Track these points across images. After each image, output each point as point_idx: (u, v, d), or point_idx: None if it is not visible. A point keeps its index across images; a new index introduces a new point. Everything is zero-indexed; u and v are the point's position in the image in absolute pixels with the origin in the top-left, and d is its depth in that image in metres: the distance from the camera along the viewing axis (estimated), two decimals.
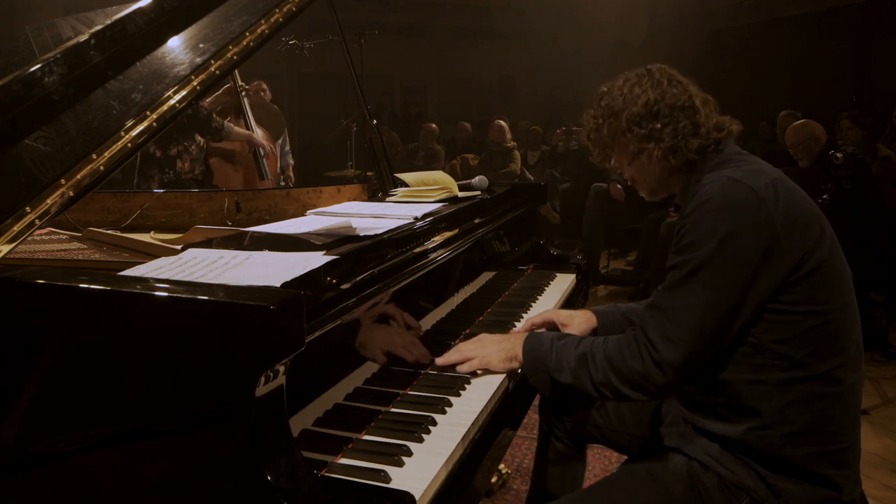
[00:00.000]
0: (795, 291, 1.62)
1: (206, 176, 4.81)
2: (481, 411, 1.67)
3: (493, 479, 3.14)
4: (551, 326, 2.17)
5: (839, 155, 4.96)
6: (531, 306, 2.48)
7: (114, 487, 1.30)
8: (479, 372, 1.86)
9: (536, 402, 2.25)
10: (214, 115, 4.53)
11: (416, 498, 1.29)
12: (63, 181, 1.56)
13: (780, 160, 5.41)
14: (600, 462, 3.38)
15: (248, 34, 2.02)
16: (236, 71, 4.57)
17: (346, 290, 1.56)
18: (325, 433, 1.53)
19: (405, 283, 1.86)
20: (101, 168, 1.62)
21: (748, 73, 12.29)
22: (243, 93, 4.96)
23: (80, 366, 1.30)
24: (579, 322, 2.17)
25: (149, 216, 2.88)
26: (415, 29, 15.33)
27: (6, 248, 1.46)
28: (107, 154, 1.64)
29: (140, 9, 1.87)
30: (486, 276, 2.66)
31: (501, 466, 3.26)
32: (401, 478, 1.36)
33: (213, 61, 1.91)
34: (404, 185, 2.82)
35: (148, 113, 1.74)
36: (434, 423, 1.58)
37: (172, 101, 1.79)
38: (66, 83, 1.68)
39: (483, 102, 15.94)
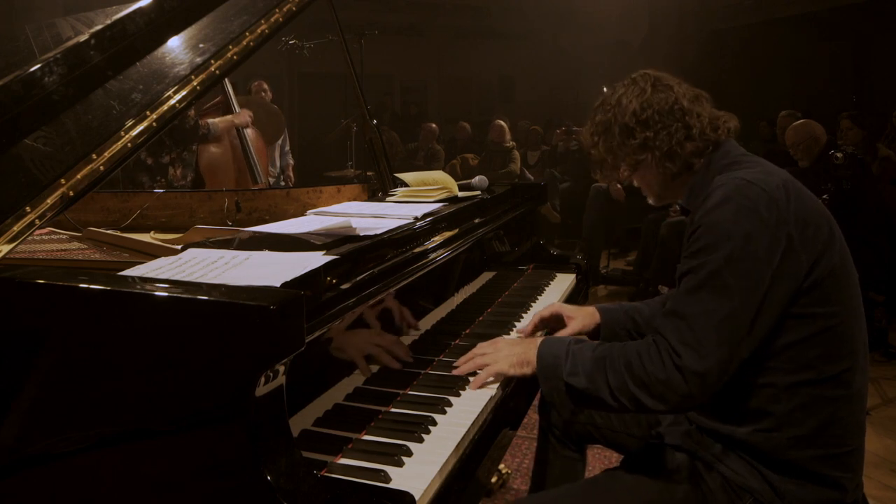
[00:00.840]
0: (808, 296, 1.61)
1: (198, 182, 4.79)
2: (481, 411, 1.67)
3: (494, 479, 3.14)
4: (557, 318, 2.17)
5: (839, 155, 4.96)
6: (531, 306, 2.48)
7: (114, 487, 1.30)
8: (478, 372, 1.85)
9: (536, 401, 2.25)
10: (200, 122, 4.51)
11: (416, 498, 1.29)
12: (63, 181, 1.56)
13: (781, 160, 5.40)
14: (600, 462, 3.37)
15: (248, 34, 2.02)
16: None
17: (346, 290, 1.56)
18: (325, 433, 1.53)
19: (405, 283, 1.86)
20: (101, 168, 1.62)
21: (748, 73, 12.29)
22: (231, 92, 4.94)
23: (80, 366, 1.30)
24: (583, 316, 2.16)
25: (149, 216, 2.88)
26: (415, 29, 15.34)
27: (6, 248, 1.46)
28: (107, 154, 1.64)
29: (140, 9, 1.87)
30: (486, 276, 2.66)
31: (501, 466, 3.26)
32: (401, 478, 1.36)
33: (213, 61, 1.91)
34: (404, 185, 2.82)
35: (148, 113, 1.74)
36: (434, 423, 1.58)
37: (172, 101, 1.79)
38: (66, 83, 1.68)
39: (483, 102, 15.96)
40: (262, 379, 1.21)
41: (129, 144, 1.68)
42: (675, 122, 1.78)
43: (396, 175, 2.93)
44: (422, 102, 16.01)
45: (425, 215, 2.17)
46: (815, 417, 1.63)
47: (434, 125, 10.92)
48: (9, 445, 1.35)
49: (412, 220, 2.10)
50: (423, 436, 1.52)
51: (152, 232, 2.63)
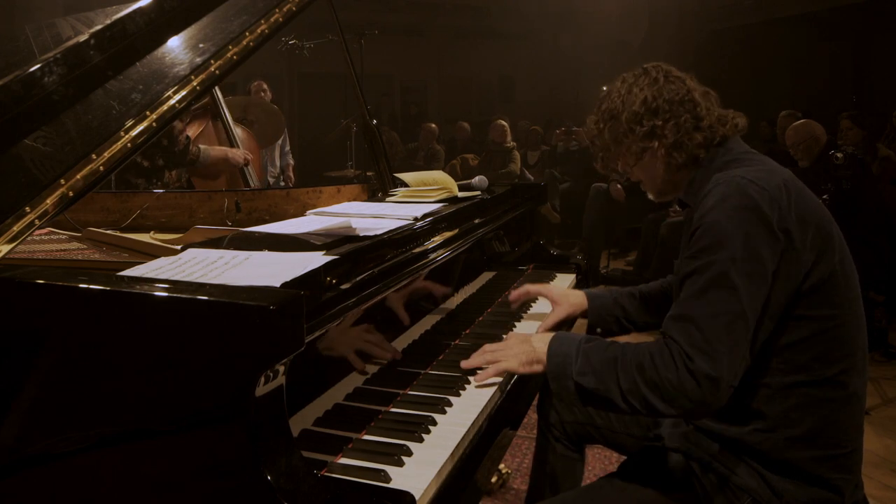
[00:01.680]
0: (807, 296, 1.60)
1: (190, 186, 4.75)
2: (481, 411, 1.67)
3: (494, 479, 3.15)
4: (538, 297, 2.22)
5: (839, 155, 4.96)
6: (531, 306, 2.47)
7: (114, 487, 1.30)
8: (478, 372, 1.84)
9: (536, 401, 2.25)
10: (191, 147, 4.43)
11: (417, 498, 1.29)
12: (63, 181, 1.56)
13: (781, 160, 5.39)
14: (600, 462, 3.38)
15: (247, 34, 2.02)
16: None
17: (346, 290, 1.56)
18: (325, 433, 1.53)
19: (405, 283, 1.86)
20: (101, 168, 1.62)
21: (748, 72, 12.29)
22: (220, 96, 4.89)
23: (80, 366, 1.30)
24: (570, 304, 2.20)
25: (148, 216, 2.88)
26: (415, 29, 15.34)
27: (6, 248, 1.46)
28: (106, 154, 1.64)
29: (140, 9, 1.87)
30: (485, 277, 2.66)
31: (502, 466, 3.27)
32: (401, 477, 1.36)
33: (213, 61, 1.91)
34: (404, 185, 2.82)
35: (148, 113, 1.74)
36: (434, 423, 1.58)
37: (172, 101, 1.78)
38: (66, 83, 1.68)
39: (483, 102, 15.96)
40: (262, 379, 1.21)
41: (128, 144, 1.68)
42: (685, 114, 1.77)
43: (396, 175, 2.93)
44: (422, 102, 16.01)
45: (425, 215, 2.17)
46: (811, 418, 1.63)
47: (434, 125, 10.93)
48: (9, 445, 1.35)
49: (412, 221, 2.10)
50: (424, 436, 1.52)
51: (152, 232, 2.62)
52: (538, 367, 1.77)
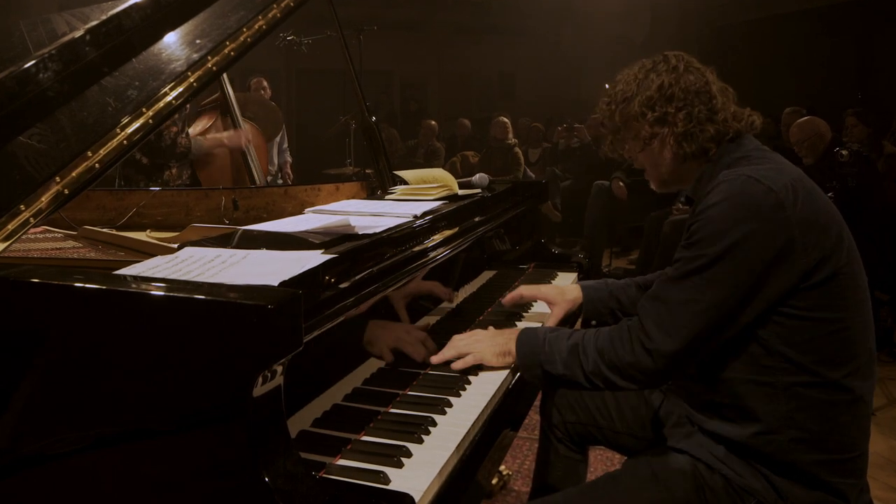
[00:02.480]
0: (810, 297, 1.60)
1: (194, 183, 4.76)
2: (482, 412, 1.67)
3: (494, 481, 3.14)
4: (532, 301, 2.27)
5: (844, 152, 4.96)
6: (532, 305, 2.47)
7: (109, 489, 1.29)
8: (478, 372, 1.85)
9: (538, 402, 2.25)
10: (179, 141, 4.41)
11: (416, 499, 1.29)
12: (58, 179, 1.56)
13: (785, 158, 5.41)
14: (602, 464, 3.38)
15: (245, 30, 2.02)
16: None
17: (345, 289, 1.56)
18: (324, 434, 1.52)
19: (404, 282, 1.86)
20: (97, 166, 1.62)
21: (751, 69, 12.27)
22: (230, 90, 4.90)
23: (76, 366, 1.30)
24: (566, 301, 2.24)
25: (145, 214, 2.87)
26: (414, 25, 15.32)
27: (0, 247, 1.46)
28: (102, 151, 1.64)
29: (136, 4, 1.86)
30: (486, 275, 2.66)
31: (502, 468, 3.26)
32: (400, 479, 1.36)
33: (209, 57, 1.91)
34: (404, 182, 2.81)
35: (144, 110, 1.73)
36: (434, 424, 1.58)
37: (169, 98, 1.78)
38: (61, 79, 1.68)
39: (483, 99, 15.95)
40: (260, 379, 1.21)
41: (124, 142, 1.68)
42: (700, 105, 1.77)
43: (396, 173, 2.93)
44: (421, 99, 15.99)
45: (425, 213, 2.17)
46: (815, 421, 1.62)
47: (434, 122, 10.92)
48: (4, 447, 1.35)
49: (412, 219, 2.09)
50: (423, 437, 1.52)
51: (148, 230, 2.62)
52: (509, 359, 1.88)
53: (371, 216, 2.13)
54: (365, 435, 1.54)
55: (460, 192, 2.63)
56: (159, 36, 1.91)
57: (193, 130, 4.62)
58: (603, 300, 2.22)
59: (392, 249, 1.85)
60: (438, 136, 10.94)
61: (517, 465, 3.44)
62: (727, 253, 1.57)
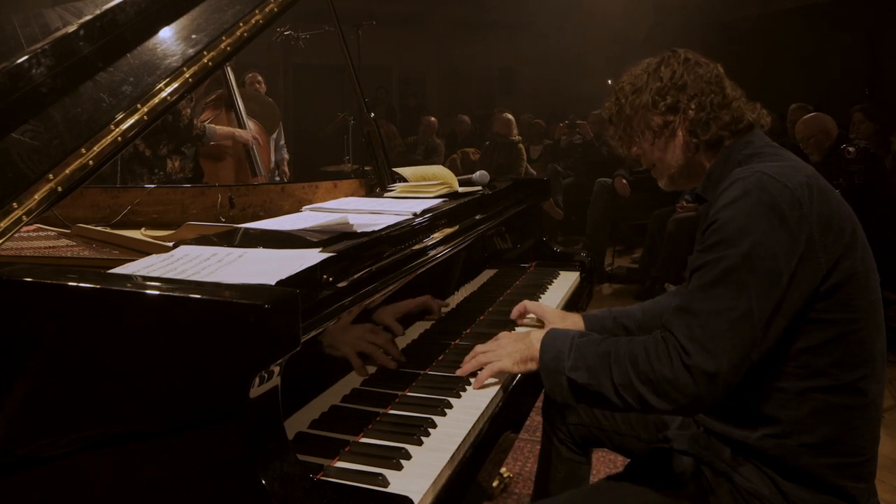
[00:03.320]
0: (825, 299, 1.58)
1: (196, 174, 4.79)
2: (482, 413, 1.67)
3: (495, 483, 3.14)
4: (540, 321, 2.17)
5: (851, 149, 4.96)
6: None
7: (104, 491, 1.29)
8: (479, 372, 1.83)
9: (540, 403, 2.25)
10: (195, 122, 4.49)
11: (416, 502, 1.29)
12: (51, 176, 1.56)
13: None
14: (605, 466, 3.38)
15: (241, 24, 2.02)
16: (227, 65, 4.54)
17: (343, 288, 1.56)
18: (322, 436, 1.53)
19: (404, 281, 1.86)
20: (91, 162, 1.62)
21: (756, 65, 12.26)
22: (234, 86, 4.93)
23: (69, 367, 1.30)
24: (568, 325, 2.12)
25: (139, 212, 2.87)
26: (414, 19, 15.31)
27: None
28: (96, 148, 1.63)
29: None
30: (487, 274, 2.66)
31: (503, 470, 3.26)
32: (399, 482, 1.36)
33: (205, 52, 1.90)
34: (403, 179, 2.81)
35: (139, 106, 1.73)
36: (434, 426, 1.58)
37: (164, 94, 1.78)
38: (55, 75, 1.68)
39: (484, 95, 15.95)
40: (257, 380, 1.21)
41: (119, 138, 1.67)
42: (712, 94, 1.76)
43: (395, 170, 2.93)
44: (421, 95, 16.00)
45: (424, 211, 2.17)
46: (828, 425, 1.61)
47: (433, 118, 10.92)
48: None
49: (411, 217, 2.09)
50: (423, 438, 1.52)
51: (143, 228, 2.62)
52: (532, 365, 1.79)
53: (370, 214, 2.13)
54: (363, 437, 1.54)
55: (460, 189, 2.63)
56: (154, 31, 1.91)
57: (199, 124, 4.68)
58: (607, 329, 2.14)
59: (391, 248, 1.85)
60: (438, 133, 10.95)
61: (518, 467, 3.44)
62: (751, 253, 1.53)
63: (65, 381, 1.30)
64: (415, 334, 2.03)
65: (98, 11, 1.80)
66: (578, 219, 7.86)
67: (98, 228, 2.33)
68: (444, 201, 2.41)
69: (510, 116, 9.03)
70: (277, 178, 7.09)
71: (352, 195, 2.92)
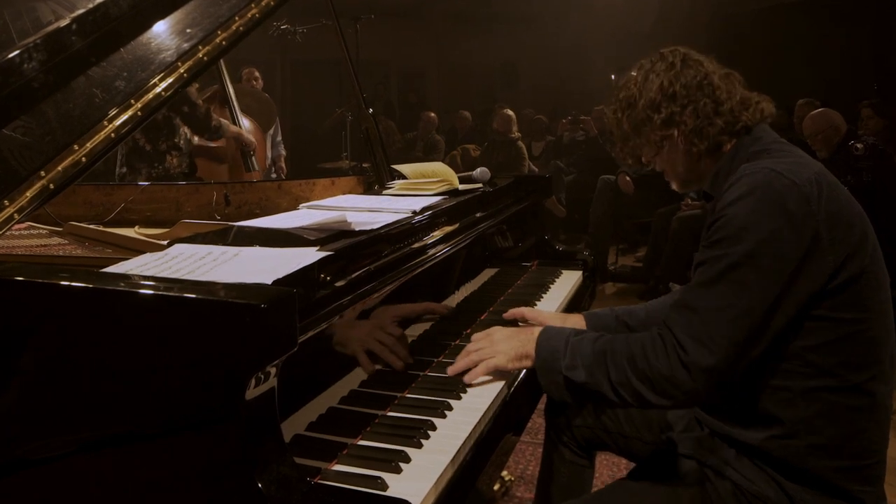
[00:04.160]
0: (834, 297, 1.58)
1: (191, 170, 4.81)
2: (483, 415, 1.67)
3: (496, 487, 3.15)
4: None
5: (859, 145, 4.96)
6: (536, 305, 2.47)
7: (97, 494, 1.30)
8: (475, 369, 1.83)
9: (542, 405, 2.25)
10: (213, 114, 4.52)
11: None
12: (43, 173, 1.56)
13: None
14: (608, 469, 3.38)
15: (237, 18, 2.02)
16: (221, 60, 4.55)
17: (341, 287, 1.56)
18: (319, 438, 1.53)
19: (403, 280, 1.86)
20: (84, 159, 1.62)
21: (763, 59, 12.23)
22: (228, 81, 4.95)
23: (61, 368, 1.30)
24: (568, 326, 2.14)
25: (133, 210, 2.88)
26: (413, 13, 15.29)
27: None
28: (89, 145, 1.63)
29: None
30: (487, 273, 2.66)
31: (504, 473, 3.27)
32: (398, 485, 1.36)
33: (200, 47, 1.90)
34: (402, 177, 2.81)
35: (132, 101, 1.73)
36: (433, 428, 1.58)
37: (158, 89, 1.78)
38: (47, 70, 1.67)
39: (485, 90, 15.92)
40: (253, 381, 1.21)
41: (112, 134, 1.67)
42: (704, 98, 1.77)
43: (394, 167, 2.93)
44: (420, 90, 15.99)
45: (424, 209, 2.17)
46: (835, 427, 1.61)
47: (433, 114, 10.92)
48: None
49: (410, 215, 2.09)
50: (422, 441, 1.52)
51: (137, 227, 2.63)
52: (527, 363, 1.81)
53: (368, 212, 2.13)
54: (362, 439, 1.54)
55: (461, 186, 2.63)
56: (148, 25, 1.91)
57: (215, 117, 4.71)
58: (609, 327, 2.15)
59: (390, 246, 1.85)
60: (438, 129, 10.95)
61: (520, 470, 3.44)
62: (755, 251, 1.54)
63: (56, 382, 1.30)
64: (414, 334, 2.03)
65: (91, 5, 1.80)
66: (581, 217, 7.86)
67: (91, 226, 2.33)
68: (443, 199, 2.41)
69: (510, 113, 9.02)
70: (274, 175, 7.10)
71: (350, 192, 2.92)
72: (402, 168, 2.85)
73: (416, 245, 1.96)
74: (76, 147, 1.61)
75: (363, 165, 7.28)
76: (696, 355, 1.56)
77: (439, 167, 2.75)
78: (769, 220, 1.55)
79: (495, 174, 2.93)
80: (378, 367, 1.81)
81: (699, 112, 1.76)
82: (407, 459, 1.44)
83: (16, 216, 1.51)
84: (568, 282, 2.79)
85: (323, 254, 1.54)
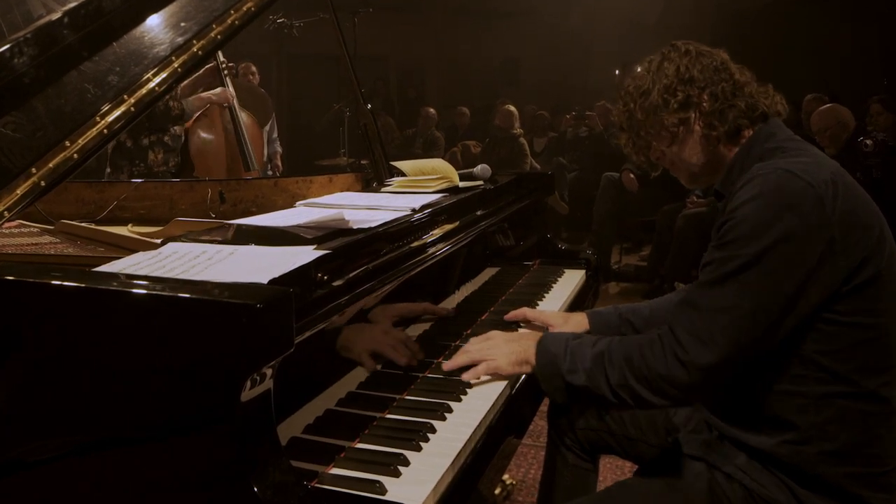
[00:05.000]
0: (849, 301, 1.57)
1: (185, 168, 4.79)
2: (484, 418, 1.67)
3: (497, 491, 3.15)
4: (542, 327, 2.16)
5: (868, 142, 4.96)
6: (537, 305, 2.47)
7: (87, 499, 1.29)
8: (475, 368, 1.84)
9: (544, 408, 2.24)
10: (171, 104, 4.47)
11: None
12: (34, 170, 1.56)
13: None
14: (612, 473, 3.38)
15: (232, 12, 2.02)
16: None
17: (339, 287, 1.56)
18: (316, 441, 1.52)
19: (402, 279, 1.86)
20: (75, 156, 1.62)
21: (770, 54, 12.20)
22: (226, 71, 4.93)
23: (52, 369, 1.30)
24: (571, 325, 2.16)
25: (126, 208, 2.87)
26: (412, 7, 15.28)
27: None
28: (81, 141, 1.63)
29: None
30: (488, 273, 2.66)
31: (506, 477, 3.27)
32: (397, 489, 1.36)
33: (195, 41, 1.90)
34: (401, 174, 2.81)
35: (125, 97, 1.73)
36: (433, 431, 1.58)
37: (152, 84, 1.78)
38: (38, 65, 1.68)
39: (485, 86, 15.90)
40: (249, 383, 1.21)
41: (105, 130, 1.67)
42: (722, 82, 1.76)
43: (392, 163, 2.93)
44: (420, 85, 15.97)
45: (423, 207, 2.17)
46: (849, 433, 1.61)
47: (433, 110, 10.91)
48: None
49: (409, 213, 2.09)
50: (422, 444, 1.52)
51: (130, 225, 2.62)
52: (527, 368, 1.83)
53: (366, 210, 2.13)
54: (360, 442, 1.54)
55: (461, 184, 2.63)
56: (141, 18, 1.91)
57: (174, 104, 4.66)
58: (612, 325, 2.16)
59: (389, 245, 1.85)
60: (438, 125, 10.93)
61: (521, 473, 3.44)
62: (765, 254, 1.53)
63: (48, 384, 1.30)
64: (414, 335, 2.03)
65: None
66: (584, 215, 7.85)
67: (83, 225, 2.33)
68: (443, 196, 2.41)
69: (512, 108, 9.01)
70: (270, 173, 7.10)
71: (348, 190, 2.91)
72: (401, 165, 2.85)
73: (415, 244, 1.95)
74: (68, 143, 1.62)
75: (361, 162, 7.28)
76: (695, 353, 1.57)
77: (439, 164, 2.75)
78: (781, 222, 1.54)
79: (496, 171, 2.93)
80: (379, 366, 1.81)
81: (717, 94, 1.75)
82: (406, 463, 1.44)
83: (6, 214, 1.51)
84: (570, 281, 2.79)
85: (320, 252, 1.54)
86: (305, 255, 1.51)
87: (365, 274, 1.67)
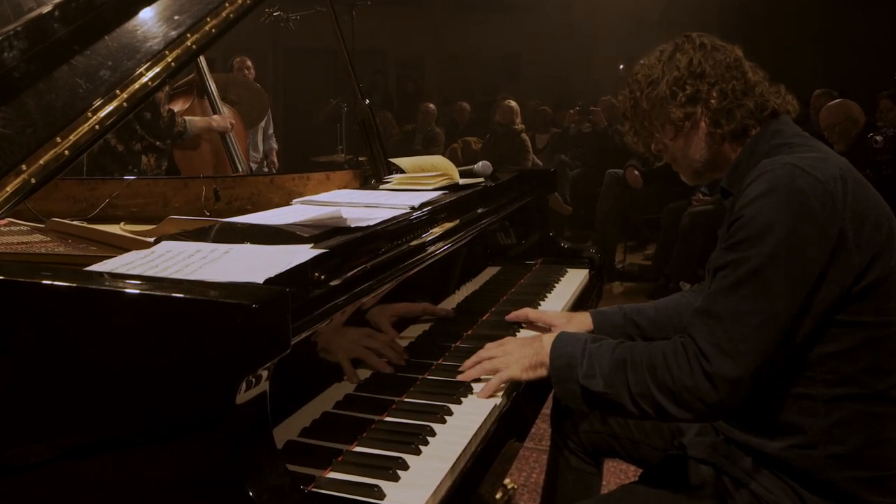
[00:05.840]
0: (859, 300, 1.57)
1: (172, 171, 4.79)
2: (484, 421, 1.67)
3: (498, 495, 3.14)
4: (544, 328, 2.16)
5: (878, 138, 4.96)
6: (539, 305, 2.47)
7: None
8: (484, 377, 1.83)
9: (547, 411, 2.24)
10: (177, 118, 4.49)
11: None
12: (24, 167, 1.56)
13: None
14: (616, 477, 3.38)
15: (227, 5, 2.02)
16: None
17: (336, 286, 1.56)
18: (313, 444, 1.52)
19: (401, 279, 1.85)
20: (67, 152, 1.62)
21: (777, 48, 12.20)
22: (206, 70, 4.92)
23: (43, 371, 1.30)
24: (575, 325, 2.14)
25: (119, 206, 2.87)
26: None
27: None
28: (72, 137, 1.63)
29: None
30: (489, 272, 2.66)
31: (507, 481, 3.27)
32: (396, 493, 1.36)
33: (189, 35, 1.90)
34: (400, 171, 2.81)
35: (118, 92, 1.73)
36: (433, 434, 1.58)
37: (144, 79, 1.78)
38: (28, 59, 1.67)
39: (486, 81, 15.91)
40: (244, 385, 1.21)
41: (97, 126, 1.67)
42: (733, 81, 1.75)
43: (391, 160, 2.93)
44: (419, 80, 15.98)
45: (423, 205, 2.17)
46: (857, 436, 1.60)
47: (432, 105, 10.91)
48: None
49: (409, 210, 2.09)
50: (421, 447, 1.52)
51: (122, 223, 2.62)
52: (542, 371, 1.79)
53: (364, 207, 2.13)
54: (358, 445, 1.54)
55: (461, 181, 2.63)
56: (134, 12, 1.91)
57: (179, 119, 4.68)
58: (617, 325, 2.15)
59: (387, 244, 1.85)
60: (437, 121, 10.94)
61: (523, 478, 3.44)
62: (777, 252, 1.52)
63: (38, 386, 1.30)
64: (413, 336, 2.03)
65: None
66: (587, 212, 7.85)
67: (74, 223, 2.32)
68: (443, 194, 2.41)
69: (513, 104, 9.00)
70: (266, 170, 7.10)
71: (345, 187, 2.92)
72: (400, 162, 2.85)
73: (414, 242, 1.95)
74: (59, 140, 1.62)
75: (359, 159, 7.28)
76: (720, 365, 1.53)
77: (439, 161, 2.75)
78: (791, 219, 1.53)
79: (497, 168, 2.93)
80: (361, 380, 1.80)
81: (726, 93, 1.74)
82: (405, 467, 1.44)
83: None
84: (573, 281, 2.79)
85: (317, 251, 1.54)
86: (302, 254, 1.51)
87: (363, 273, 1.67)
